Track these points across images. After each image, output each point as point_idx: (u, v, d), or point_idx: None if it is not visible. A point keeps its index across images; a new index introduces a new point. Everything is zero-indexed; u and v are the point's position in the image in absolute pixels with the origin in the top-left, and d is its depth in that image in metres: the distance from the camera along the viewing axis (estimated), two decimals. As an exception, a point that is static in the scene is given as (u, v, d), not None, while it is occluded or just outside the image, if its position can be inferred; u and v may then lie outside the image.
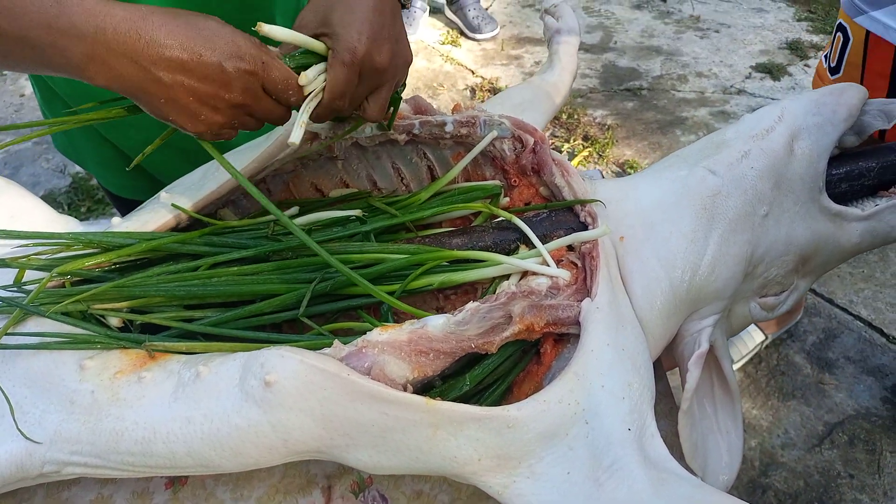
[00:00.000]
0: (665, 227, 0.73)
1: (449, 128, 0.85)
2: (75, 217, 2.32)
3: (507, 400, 0.72)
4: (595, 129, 2.66)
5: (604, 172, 2.48)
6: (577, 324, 0.69)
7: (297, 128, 0.65)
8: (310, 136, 0.85)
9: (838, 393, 1.73)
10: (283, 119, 0.68)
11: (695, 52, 3.14)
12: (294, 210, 0.85)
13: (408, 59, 0.73)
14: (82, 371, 0.67)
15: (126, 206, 1.07)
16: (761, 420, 1.68)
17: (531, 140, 0.83)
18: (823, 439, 1.65)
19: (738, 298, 0.76)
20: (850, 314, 1.91)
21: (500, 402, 0.71)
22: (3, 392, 0.66)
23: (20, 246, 0.76)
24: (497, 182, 0.84)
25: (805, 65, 3.05)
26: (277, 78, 0.63)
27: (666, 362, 0.86)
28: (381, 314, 0.74)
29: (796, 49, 3.14)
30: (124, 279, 0.70)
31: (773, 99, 2.83)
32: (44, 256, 0.77)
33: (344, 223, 0.80)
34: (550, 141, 2.61)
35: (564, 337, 0.73)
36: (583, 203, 0.77)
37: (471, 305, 0.66)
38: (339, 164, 0.90)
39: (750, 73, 3.00)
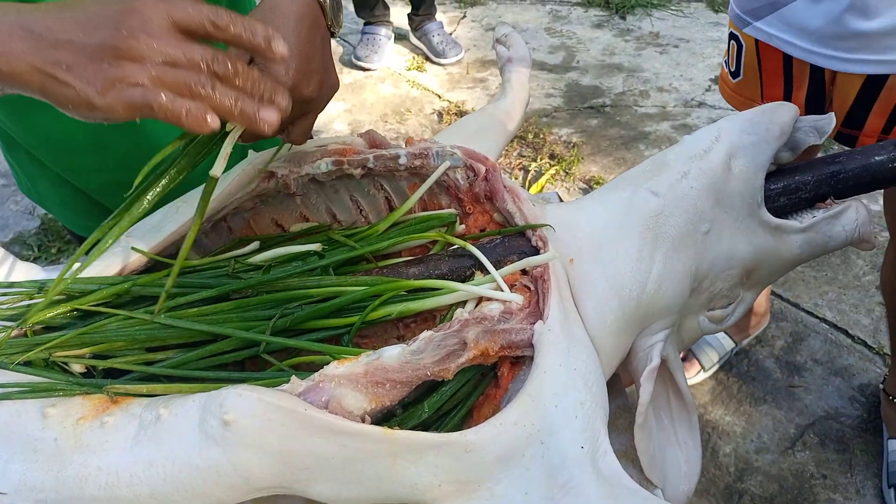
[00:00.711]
0: (612, 248, 0.76)
1: (402, 160, 0.87)
2: (45, 258, 2.32)
3: (467, 424, 0.73)
4: (561, 148, 2.70)
5: (571, 189, 2.52)
6: (531, 346, 0.71)
7: (221, 160, 0.63)
8: (266, 175, 0.87)
9: (808, 395, 1.76)
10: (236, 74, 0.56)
11: (655, 68, 3.21)
12: (255, 245, 0.87)
13: (334, 86, 0.75)
14: (45, 419, 0.67)
15: None
16: (735, 426, 1.71)
17: (483, 168, 0.85)
18: (796, 442, 1.68)
19: (686, 313, 0.79)
20: (816, 317, 1.95)
21: (461, 426, 0.72)
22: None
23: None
24: (452, 210, 0.86)
25: (763, 75, 3.13)
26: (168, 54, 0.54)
27: (625, 378, 0.89)
28: (343, 345, 0.75)
29: (754, 60, 3.23)
30: (86, 327, 0.71)
31: (732, 110, 2.90)
32: (6, 306, 0.78)
33: (304, 258, 0.82)
34: (518, 161, 2.65)
35: (521, 359, 0.75)
36: (533, 228, 0.80)
37: (425, 334, 0.67)
38: (297, 200, 0.91)
39: (709, 86, 3.07)
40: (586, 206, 0.82)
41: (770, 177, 0.81)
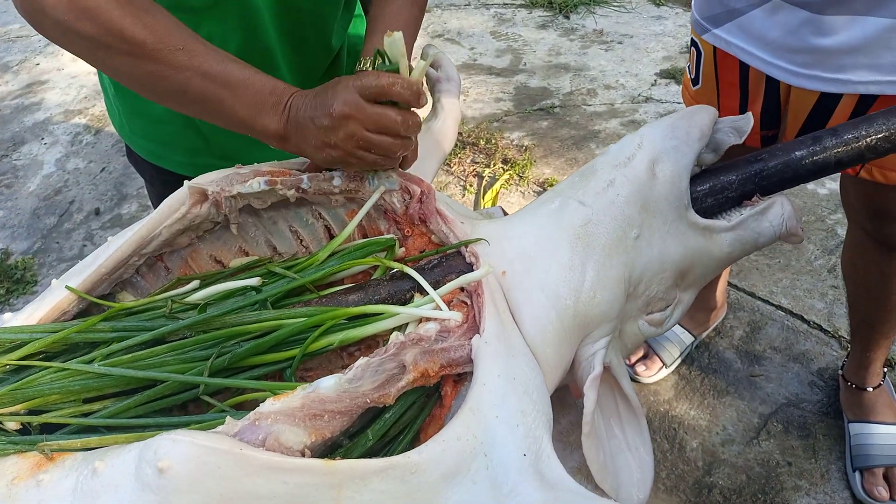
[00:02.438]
0: (544, 259, 0.77)
1: (337, 182, 0.87)
2: (-5, 301, 2.26)
3: (414, 447, 0.73)
4: (513, 152, 2.72)
5: (525, 193, 2.54)
6: (471, 361, 0.71)
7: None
8: (198, 199, 0.85)
9: (769, 384, 1.79)
10: (402, 125, 0.80)
11: (601, 66, 3.25)
12: (195, 284, 0.86)
13: None
14: (-21, 481, 0.66)
15: None
16: (700, 420, 1.73)
17: (418, 190, 0.85)
18: (760, 431, 1.70)
19: (625, 318, 0.80)
20: (772, 305, 1.98)
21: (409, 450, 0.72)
22: None
23: None
24: (391, 235, 0.86)
25: (707, 68, 3.19)
26: (366, 79, 0.78)
27: (575, 391, 0.89)
28: (285, 380, 0.75)
29: (698, 53, 3.28)
30: (18, 383, 0.70)
31: (678, 103, 2.95)
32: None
33: (243, 293, 0.81)
34: (472, 168, 2.66)
35: (463, 376, 0.75)
36: (467, 244, 0.80)
37: (361, 361, 0.67)
38: (234, 229, 0.90)
39: (655, 81, 3.11)
40: (517, 221, 0.83)
41: (696, 179, 0.83)
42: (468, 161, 2.69)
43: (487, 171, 2.62)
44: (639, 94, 3.01)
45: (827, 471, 1.60)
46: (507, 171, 2.60)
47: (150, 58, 0.79)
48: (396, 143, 0.81)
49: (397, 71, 0.80)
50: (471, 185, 2.59)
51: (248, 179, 0.86)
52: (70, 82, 3.39)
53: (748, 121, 0.83)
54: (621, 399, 0.80)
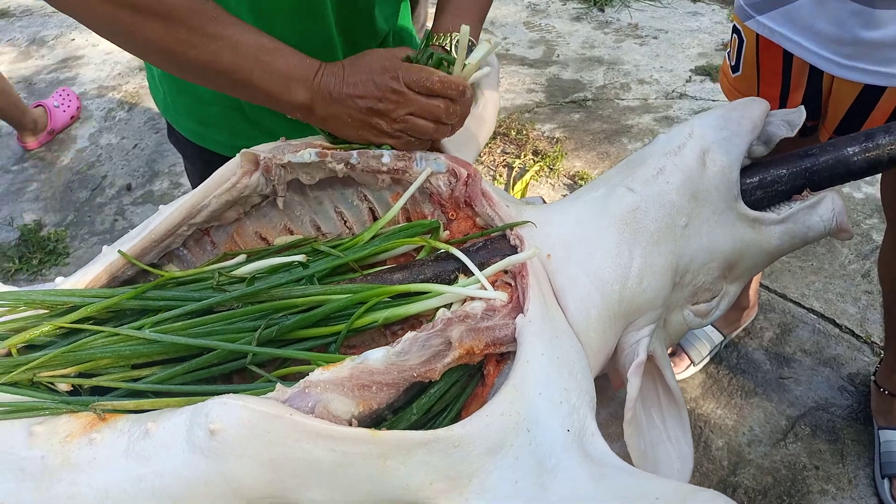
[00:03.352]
0: (589, 243, 0.77)
1: (386, 159, 0.87)
2: (26, 269, 2.30)
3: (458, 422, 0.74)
4: (544, 143, 2.71)
5: (556, 185, 2.53)
6: (515, 341, 0.72)
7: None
8: (249, 168, 0.86)
9: (798, 386, 1.78)
10: (444, 113, 0.83)
11: (635, 60, 3.23)
12: (242, 257, 0.87)
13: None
14: (31, 437, 0.67)
15: None
16: (726, 419, 1.72)
17: (465, 173, 0.85)
18: (787, 433, 1.69)
19: (671, 308, 0.80)
20: (804, 307, 1.96)
21: (450, 427, 0.73)
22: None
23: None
24: (436, 219, 0.86)
25: (743, 66, 3.15)
26: (416, 75, 0.81)
27: (615, 381, 0.89)
28: (329, 353, 0.76)
29: (733, 52, 3.25)
30: (71, 345, 0.71)
31: (713, 101, 2.92)
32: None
33: (288, 269, 0.82)
34: (502, 158, 2.66)
35: (506, 356, 0.75)
36: (514, 226, 0.80)
37: (409, 335, 0.68)
38: (280, 204, 0.90)
39: (690, 77, 3.09)
40: (562, 206, 0.83)
41: (746, 171, 0.82)
42: (498, 151, 2.69)
43: (517, 162, 2.61)
44: (673, 90, 2.98)
45: (855, 476, 1.59)
46: (537, 162, 2.59)
47: (182, 24, 0.78)
48: (437, 129, 0.83)
49: (452, 63, 0.83)
50: (500, 176, 2.58)
51: (300, 150, 0.87)
52: (105, 58, 3.43)
53: (801, 114, 0.82)
54: (663, 389, 0.80)
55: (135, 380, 0.72)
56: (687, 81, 3.04)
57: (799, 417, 1.73)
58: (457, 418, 0.73)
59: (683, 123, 0.82)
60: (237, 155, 0.88)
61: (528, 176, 2.51)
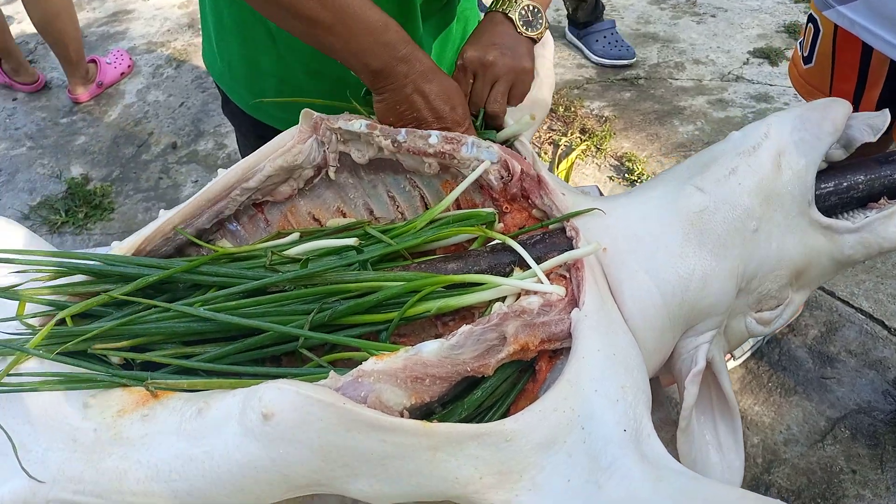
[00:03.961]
0: (650, 240, 0.74)
1: (433, 140, 0.85)
2: (73, 223, 2.34)
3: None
4: (592, 122, 2.66)
5: (602, 166, 2.48)
6: (570, 336, 0.70)
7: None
8: (306, 134, 0.87)
9: (840, 387, 1.74)
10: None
11: (692, 39, 3.13)
12: (295, 236, 0.86)
13: (521, 64, 0.92)
14: (85, 409, 0.68)
15: None
16: (763, 416, 1.69)
17: (518, 168, 0.83)
18: (826, 435, 1.65)
19: (733, 314, 0.77)
20: (852, 307, 1.91)
21: (499, 423, 0.72)
22: (4, 431, 0.67)
23: (15, 272, 0.77)
24: (491, 209, 0.84)
25: (803, 50, 3.04)
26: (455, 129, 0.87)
27: (664, 379, 0.87)
28: (381, 341, 0.75)
29: (794, 32, 3.12)
30: (125, 318, 0.71)
31: (770, 85, 2.82)
32: (41, 284, 0.78)
33: (341, 252, 0.81)
34: (548, 135, 2.61)
35: (558, 352, 0.74)
36: (576, 216, 0.78)
37: (464, 329, 0.66)
38: (331, 173, 0.89)
39: (748, 59, 2.98)
40: (623, 199, 0.80)
41: (821, 175, 0.78)
42: (544, 127, 2.64)
43: (564, 139, 2.56)
44: (729, 72, 2.89)
45: (893, 484, 1.56)
46: (584, 141, 2.54)
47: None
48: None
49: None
50: (545, 153, 2.54)
51: (352, 119, 0.86)
52: (154, 14, 3.43)
53: (885, 118, 0.78)
54: (718, 397, 0.78)
55: (187, 356, 0.73)
56: (744, 64, 2.94)
57: (839, 419, 1.69)
58: (506, 414, 0.72)
59: (759, 121, 0.78)
60: (296, 124, 0.88)
61: (573, 155, 2.46)
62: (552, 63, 1.10)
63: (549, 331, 0.69)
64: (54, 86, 2.98)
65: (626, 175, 2.43)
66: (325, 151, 0.88)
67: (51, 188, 2.52)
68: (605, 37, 3.00)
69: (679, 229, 0.74)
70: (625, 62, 2.96)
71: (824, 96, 1.28)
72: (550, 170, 2.48)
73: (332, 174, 0.89)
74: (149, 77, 3.01)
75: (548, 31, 1.12)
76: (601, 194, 1.17)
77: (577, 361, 0.67)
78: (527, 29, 0.95)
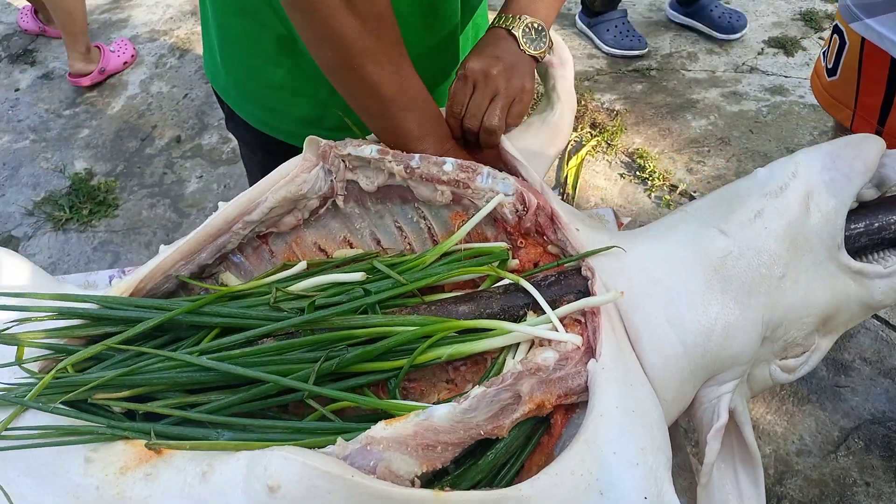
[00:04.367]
0: (671, 286, 0.71)
1: (448, 167, 0.82)
2: (76, 219, 2.32)
3: (519, 476, 0.70)
4: (603, 116, 2.61)
5: (612, 163, 2.44)
6: (587, 390, 0.67)
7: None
8: (310, 164, 0.83)
9: (854, 396, 1.71)
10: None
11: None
12: (302, 265, 0.83)
13: (521, 83, 0.90)
14: (87, 464, 0.66)
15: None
16: (776, 426, 1.67)
17: (535, 202, 0.79)
18: (839, 445, 1.63)
19: (757, 362, 0.74)
20: (867, 310, 1.87)
21: (514, 480, 0.69)
22: (3, 491, 0.65)
23: (15, 321, 0.75)
24: (504, 245, 0.81)
25: (819, 37, 2.97)
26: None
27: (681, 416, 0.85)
28: (389, 391, 0.72)
29: (810, 20, 3.05)
30: (127, 369, 0.69)
31: (786, 77, 2.77)
32: (40, 327, 0.76)
33: (348, 289, 0.78)
34: (558, 130, 2.56)
35: (575, 403, 0.71)
36: (593, 254, 0.75)
37: (477, 391, 0.64)
38: (339, 201, 0.86)
39: (762, 49, 2.91)
40: (641, 237, 0.77)
41: (851, 214, 0.75)
42: (554, 121, 2.59)
43: (574, 135, 2.52)
44: (743, 63, 2.83)
45: (908, 496, 1.54)
46: (594, 136, 2.50)
47: (375, 34, 0.80)
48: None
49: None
50: (555, 148, 2.49)
51: (362, 145, 0.83)
52: (157, 1, 3.37)
53: (921, 156, 0.74)
54: (739, 445, 0.75)
55: (191, 405, 0.70)
56: (759, 54, 2.87)
57: (853, 429, 1.67)
58: (521, 470, 0.70)
59: (787, 158, 0.75)
60: (299, 154, 0.85)
61: (583, 151, 2.42)
62: (573, 84, 1.06)
63: (565, 386, 0.67)
64: (56, 76, 2.94)
65: (638, 173, 2.39)
66: (332, 181, 0.85)
67: (55, 183, 2.49)
68: (615, 26, 2.93)
69: (701, 275, 0.71)
70: (636, 53, 2.90)
71: (849, 110, 1.23)
72: (559, 166, 2.44)
73: (340, 203, 0.86)
74: (152, 67, 2.97)
75: (566, 49, 1.08)
76: (616, 216, 1.13)
77: (595, 419, 0.64)
78: (530, 47, 0.92)
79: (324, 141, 0.84)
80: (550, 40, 0.94)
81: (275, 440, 0.65)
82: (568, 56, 1.07)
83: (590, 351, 0.70)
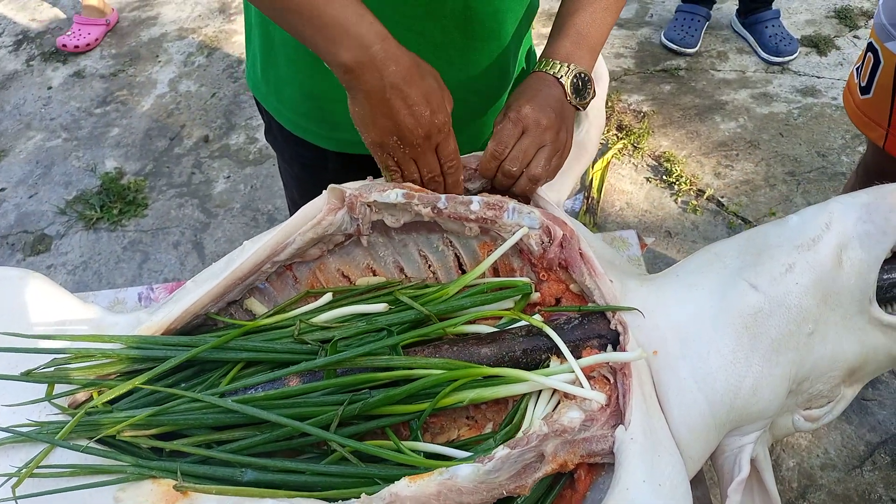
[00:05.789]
0: (702, 345, 0.70)
1: (475, 207, 0.82)
2: (107, 218, 2.35)
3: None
4: (630, 118, 2.58)
5: (639, 166, 2.41)
6: (612, 453, 0.67)
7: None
8: (335, 205, 0.83)
9: (881, 410, 1.69)
10: (433, 182, 0.85)
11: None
12: (328, 297, 0.84)
13: (567, 138, 0.88)
14: (116, 504, 0.67)
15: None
16: (800, 438, 1.65)
17: (560, 233, 0.79)
18: (865, 460, 1.61)
19: (781, 412, 0.73)
20: None
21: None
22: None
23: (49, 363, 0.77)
24: (527, 280, 0.81)
25: (854, 36, 2.90)
26: (449, 146, 0.82)
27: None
28: (411, 431, 0.73)
29: (845, 18, 2.98)
30: (156, 410, 0.70)
31: (818, 77, 2.71)
32: (74, 365, 0.78)
33: (371, 320, 0.79)
34: (584, 132, 2.54)
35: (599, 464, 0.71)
36: (616, 310, 0.74)
37: (501, 453, 0.64)
38: (364, 242, 0.87)
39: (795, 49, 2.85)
40: (673, 290, 0.76)
41: (884, 264, 0.74)
42: (580, 123, 2.57)
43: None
44: (774, 63, 2.77)
45: (935, 517, 1.52)
46: (620, 139, 2.47)
47: None
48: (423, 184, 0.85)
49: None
50: (581, 151, 2.47)
51: (387, 189, 0.83)
52: (186, -2, 3.39)
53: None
54: (760, 492, 0.75)
55: (217, 442, 0.72)
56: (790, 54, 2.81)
57: (880, 444, 1.65)
58: (541, 518, 0.70)
59: (820, 206, 0.73)
60: (322, 194, 0.85)
61: (609, 154, 2.39)
62: (604, 101, 1.05)
63: (589, 448, 0.67)
64: (87, 74, 2.97)
65: (664, 177, 2.36)
66: (358, 224, 0.85)
67: (86, 181, 2.53)
68: (771, 25, 2.82)
69: (731, 332, 0.70)
70: (789, 58, 2.78)
71: (882, 130, 1.21)
72: (585, 171, 2.42)
73: (364, 242, 0.87)
74: (180, 66, 2.99)
75: (603, 64, 1.06)
76: (639, 238, 1.13)
77: (621, 493, 0.63)
78: (576, 98, 0.90)
79: (348, 191, 0.83)
80: (594, 91, 0.92)
81: (296, 483, 0.66)
82: (604, 71, 1.06)
83: (617, 413, 0.70)
